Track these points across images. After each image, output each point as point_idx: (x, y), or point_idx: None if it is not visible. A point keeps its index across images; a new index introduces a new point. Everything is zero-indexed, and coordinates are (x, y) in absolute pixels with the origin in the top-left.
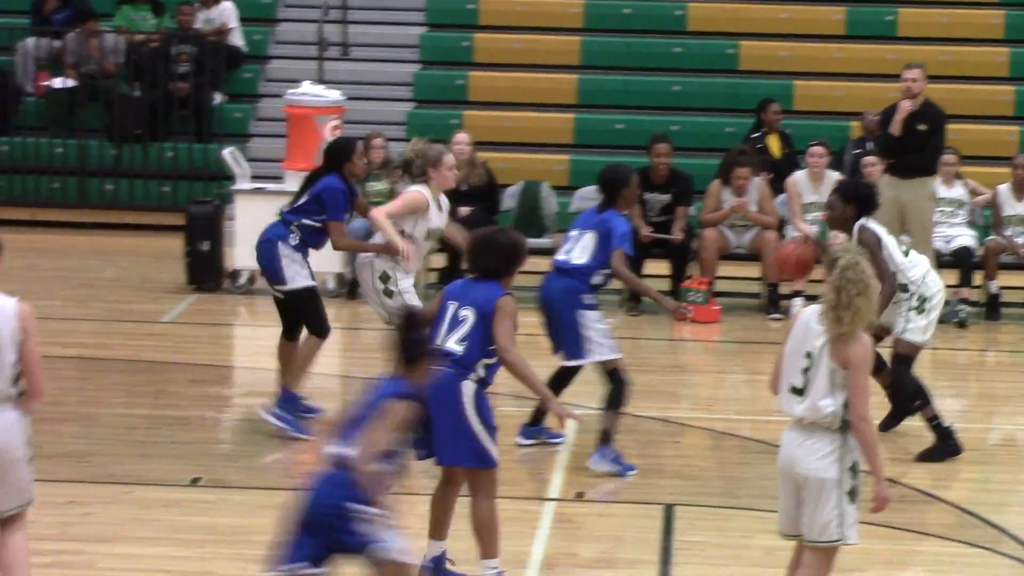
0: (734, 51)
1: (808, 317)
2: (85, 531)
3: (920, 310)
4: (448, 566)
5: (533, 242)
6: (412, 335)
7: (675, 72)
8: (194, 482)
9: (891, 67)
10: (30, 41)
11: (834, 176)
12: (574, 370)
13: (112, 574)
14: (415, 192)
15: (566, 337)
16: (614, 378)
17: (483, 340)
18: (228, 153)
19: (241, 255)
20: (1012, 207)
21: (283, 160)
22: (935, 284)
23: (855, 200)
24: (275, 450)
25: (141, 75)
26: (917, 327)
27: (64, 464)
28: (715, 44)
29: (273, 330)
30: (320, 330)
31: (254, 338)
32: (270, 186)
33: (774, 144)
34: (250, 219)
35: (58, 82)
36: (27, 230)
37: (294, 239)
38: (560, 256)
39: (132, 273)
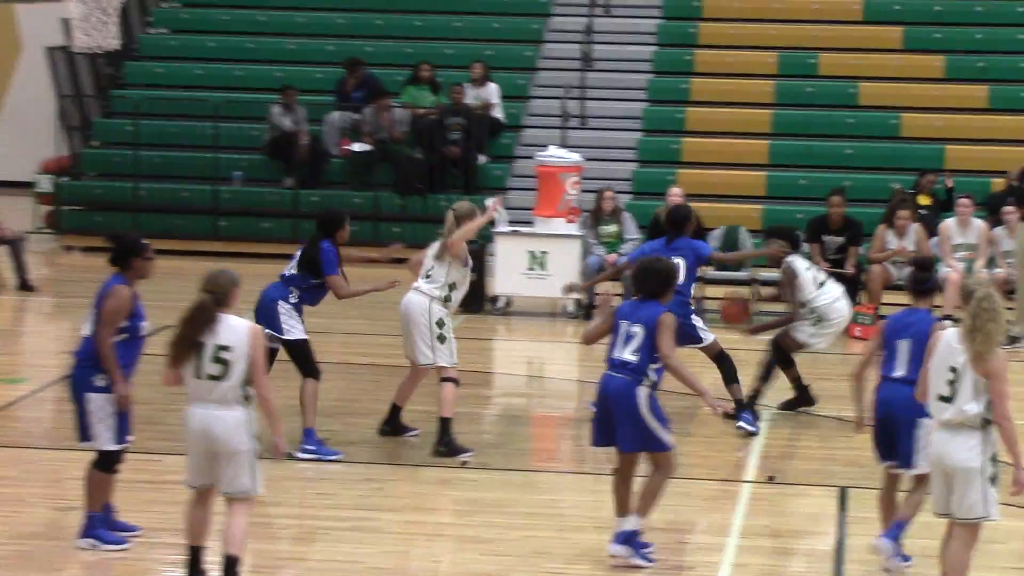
0: (897, 122)
1: (949, 338)
2: (379, 503)
3: (815, 323)
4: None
5: (731, 274)
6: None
7: (848, 139)
8: (463, 464)
9: None
10: (335, 114)
11: (978, 223)
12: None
13: (399, 537)
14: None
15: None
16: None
17: (650, 350)
18: (490, 203)
19: (500, 284)
20: None
21: (534, 208)
22: (839, 312)
23: (781, 238)
24: (528, 440)
25: (422, 141)
26: (806, 332)
27: (361, 449)
28: (881, 116)
29: (525, 344)
30: (314, 372)
31: (510, 350)
32: (524, 229)
33: (923, 201)
34: (507, 255)
35: (357, 146)
36: None
37: (293, 298)
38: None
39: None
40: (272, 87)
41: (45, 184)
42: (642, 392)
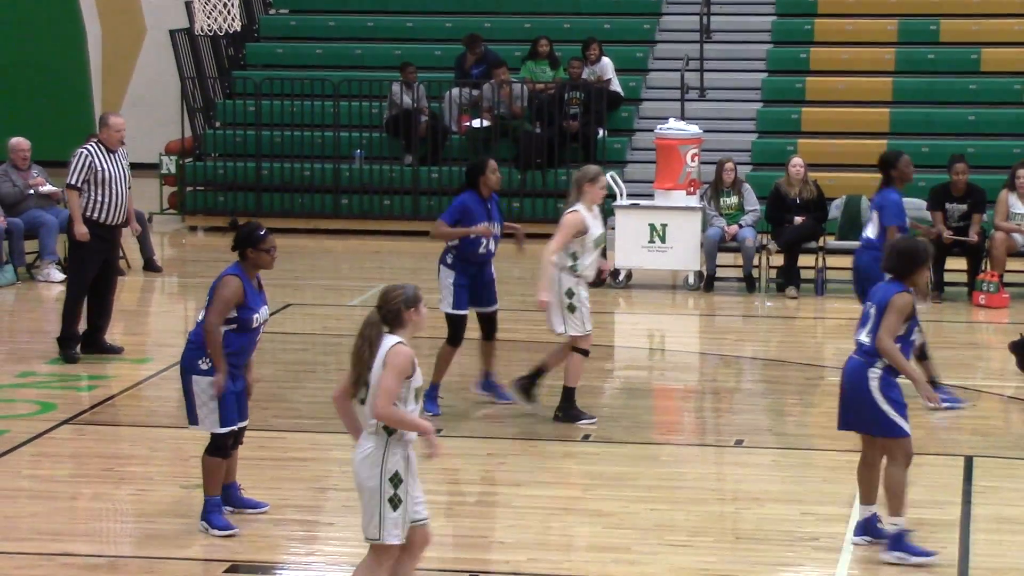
0: (1020, 87)
1: None
2: (502, 476)
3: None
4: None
5: (853, 244)
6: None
7: (971, 105)
8: (585, 438)
9: None
10: (454, 91)
11: None
12: None
13: (521, 511)
14: (570, 214)
15: None
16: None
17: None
18: (610, 176)
19: (620, 257)
20: None
21: (653, 181)
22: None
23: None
24: (650, 413)
25: (541, 116)
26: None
27: (483, 424)
28: (1004, 82)
29: (646, 317)
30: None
31: (631, 323)
32: (643, 202)
33: None
34: (628, 228)
35: (476, 123)
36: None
37: (449, 258)
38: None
39: (535, 272)
40: (391, 65)
41: (169, 165)
42: (873, 373)
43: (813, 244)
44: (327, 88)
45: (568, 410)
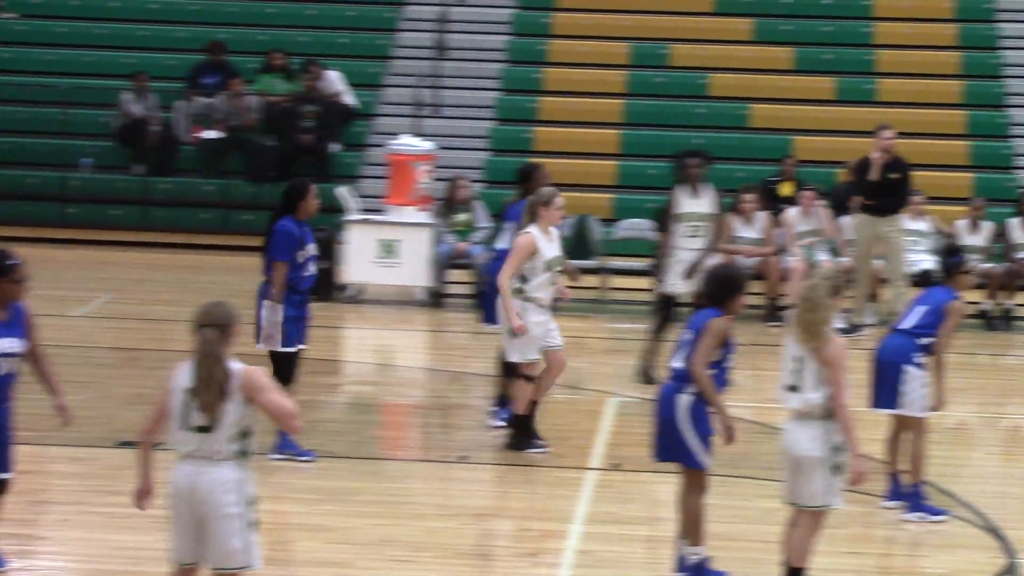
0: (745, 112)
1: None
2: None
3: None
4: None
5: (581, 263)
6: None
7: (699, 128)
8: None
9: (870, 126)
10: (186, 101)
11: (821, 211)
12: None
13: None
14: (523, 236)
15: None
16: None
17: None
18: (342, 191)
19: (351, 271)
20: (967, 239)
21: (385, 197)
22: None
23: None
24: (375, 428)
25: (274, 128)
26: None
27: None
28: (731, 107)
29: (375, 332)
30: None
31: (360, 338)
32: (375, 217)
33: (786, 188)
34: (358, 243)
35: (209, 134)
36: (181, 251)
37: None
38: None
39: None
40: (123, 73)
41: None
42: (683, 400)
43: None
44: (56, 95)
45: (517, 437)
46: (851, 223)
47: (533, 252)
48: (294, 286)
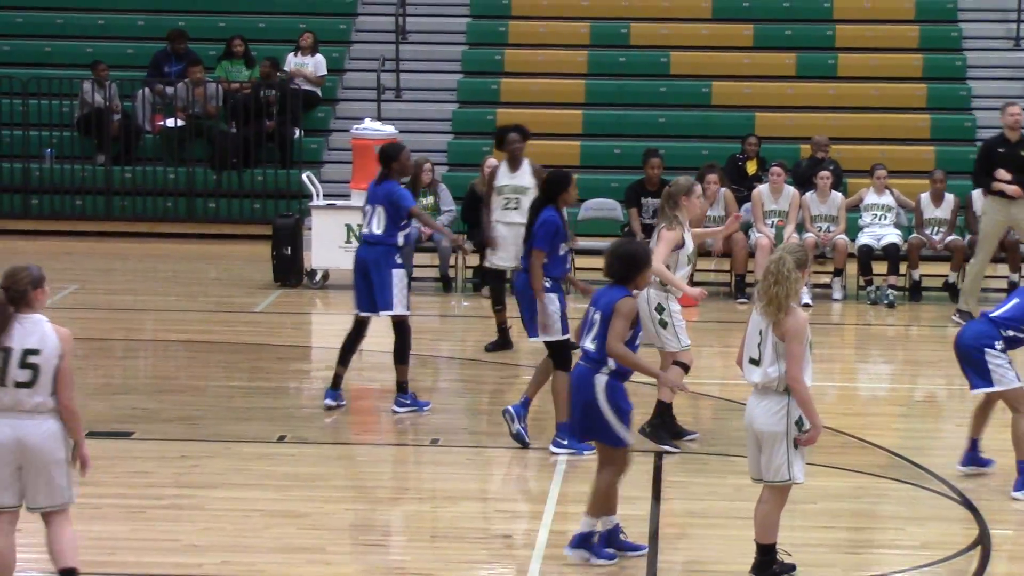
0: (708, 90)
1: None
2: (195, 479)
3: None
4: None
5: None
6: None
7: (660, 107)
8: (280, 439)
9: (831, 101)
10: (147, 90)
11: (790, 190)
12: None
13: (218, 514)
14: (670, 230)
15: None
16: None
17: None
18: (306, 176)
19: (316, 258)
20: (930, 212)
21: (350, 181)
22: None
23: None
24: (344, 413)
25: (236, 116)
26: None
27: (177, 427)
28: (692, 84)
29: (341, 318)
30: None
31: (327, 324)
32: (339, 202)
33: (751, 166)
34: (324, 228)
35: (170, 122)
36: (145, 240)
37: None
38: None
39: (230, 273)
40: (82, 63)
41: None
42: (600, 380)
43: None
44: (15, 86)
45: (657, 427)
46: (814, 199)
47: (680, 244)
48: (554, 276)
